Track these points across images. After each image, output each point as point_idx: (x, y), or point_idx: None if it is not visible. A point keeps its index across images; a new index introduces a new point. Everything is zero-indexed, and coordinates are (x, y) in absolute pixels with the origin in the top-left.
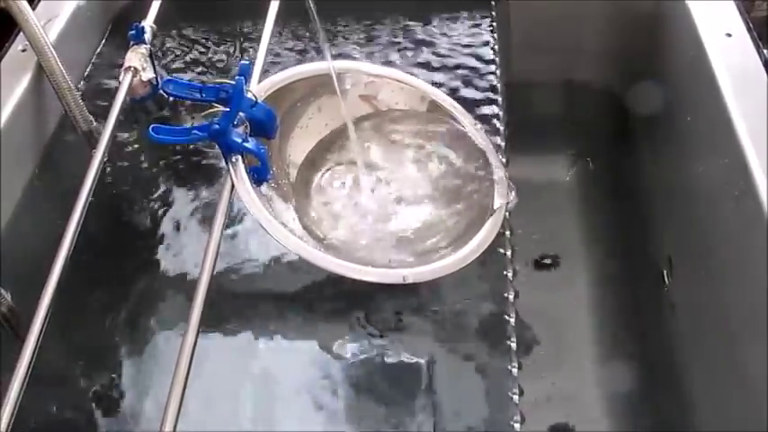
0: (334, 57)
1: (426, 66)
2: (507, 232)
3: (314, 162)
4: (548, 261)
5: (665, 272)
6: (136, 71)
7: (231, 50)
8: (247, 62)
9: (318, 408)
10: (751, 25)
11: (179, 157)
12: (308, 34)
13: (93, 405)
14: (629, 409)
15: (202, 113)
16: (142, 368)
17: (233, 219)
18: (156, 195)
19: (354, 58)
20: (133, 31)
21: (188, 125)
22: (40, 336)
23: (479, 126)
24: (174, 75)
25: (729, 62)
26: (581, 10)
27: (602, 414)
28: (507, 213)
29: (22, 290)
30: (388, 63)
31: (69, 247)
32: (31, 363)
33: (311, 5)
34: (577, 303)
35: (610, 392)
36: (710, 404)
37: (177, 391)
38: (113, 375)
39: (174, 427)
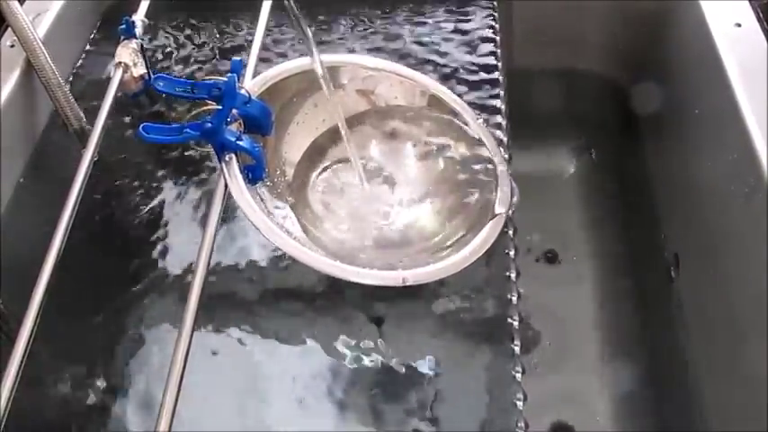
0: (333, 50)
1: (427, 59)
2: (510, 231)
3: (311, 160)
4: (550, 256)
5: (671, 269)
6: (127, 67)
7: (224, 45)
8: (239, 58)
9: (313, 410)
10: (761, 14)
11: (174, 153)
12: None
13: (87, 406)
14: (633, 409)
15: (193, 112)
16: (136, 368)
17: (227, 219)
18: (149, 194)
19: (352, 51)
20: (123, 26)
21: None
22: (30, 337)
23: (481, 121)
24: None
25: (739, 53)
26: (585, 1)
27: (606, 413)
28: (510, 212)
29: (12, 290)
30: (387, 56)
31: (60, 247)
32: (21, 365)
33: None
34: (581, 299)
35: (614, 391)
36: (717, 405)
37: (172, 390)
38: (106, 376)
39: (170, 427)
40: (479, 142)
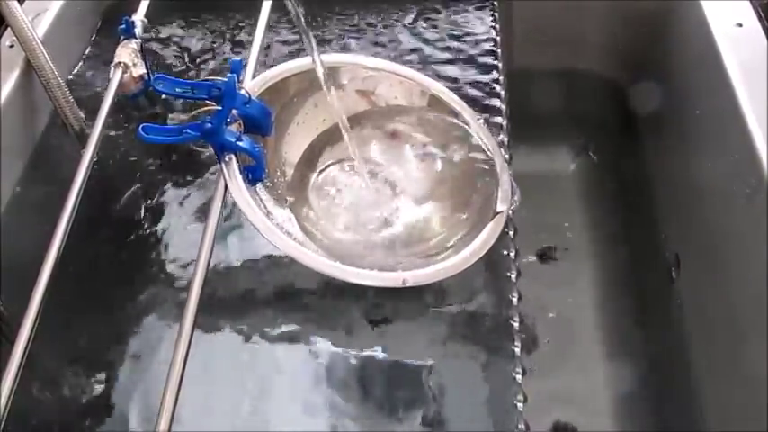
0: (332, 50)
1: (427, 59)
2: (511, 232)
3: (311, 160)
4: (550, 256)
5: (672, 269)
6: (126, 67)
7: (225, 46)
8: (239, 59)
9: (312, 410)
10: (762, 14)
11: (174, 154)
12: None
13: (86, 406)
14: (634, 409)
15: (193, 112)
16: (136, 368)
17: (227, 219)
18: (148, 195)
19: (352, 51)
20: (123, 26)
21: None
22: (30, 337)
23: (482, 121)
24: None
25: (740, 53)
26: (585, 1)
27: (606, 413)
28: (510, 212)
29: (12, 290)
30: (388, 56)
31: (60, 247)
32: (21, 365)
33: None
34: (581, 299)
35: (614, 391)
36: (717, 405)
37: (172, 390)
38: (106, 376)
39: (170, 427)
40: (479, 142)
